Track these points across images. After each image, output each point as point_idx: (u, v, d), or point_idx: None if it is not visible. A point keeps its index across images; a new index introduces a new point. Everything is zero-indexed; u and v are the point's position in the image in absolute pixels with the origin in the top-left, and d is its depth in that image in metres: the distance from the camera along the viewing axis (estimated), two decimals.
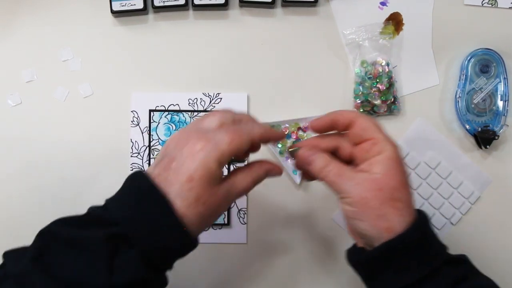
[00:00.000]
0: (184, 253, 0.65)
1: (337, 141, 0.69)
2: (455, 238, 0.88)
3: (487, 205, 0.89)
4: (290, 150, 0.70)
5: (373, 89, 0.87)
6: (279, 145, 0.87)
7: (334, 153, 0.69)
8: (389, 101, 0.87)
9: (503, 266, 0.88)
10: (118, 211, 0.61)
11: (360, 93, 0.87)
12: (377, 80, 0.87)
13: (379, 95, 0.86)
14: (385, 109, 0.87)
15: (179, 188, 0.61)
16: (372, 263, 0.65)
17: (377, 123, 0.67)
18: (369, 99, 0.87)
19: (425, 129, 0.89)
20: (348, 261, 0.69)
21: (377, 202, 0.63)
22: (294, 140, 0.88)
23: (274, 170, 0.70)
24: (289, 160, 0.87)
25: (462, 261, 0.67)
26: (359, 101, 0.87)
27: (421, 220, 0.65)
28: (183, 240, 0.63)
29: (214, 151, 0.61)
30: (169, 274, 0.85)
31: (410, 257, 0.64)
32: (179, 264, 0.85)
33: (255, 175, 0.67)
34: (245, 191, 0.67)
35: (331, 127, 0.69)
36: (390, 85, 0.87)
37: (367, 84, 0.87)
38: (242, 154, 0.69)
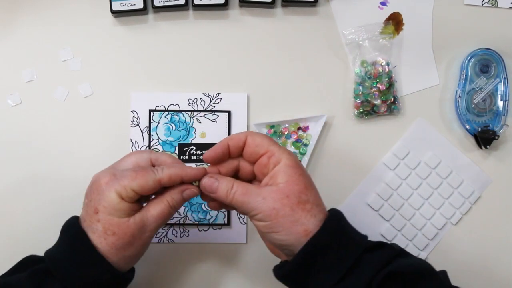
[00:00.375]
0: (111, 285, 0.68)
1: (235, 163, 0.71)
2: (455, 238, 0.88)
3: (487, 205, 0.89)
4: (194, 184, 0.70)
5: (373, 89, 0.87)
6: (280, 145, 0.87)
7: (236, 176, 0.71)
8: (389, 101, 0.87)
9: (504, 265, 0.88)
10: (48, 251, 0.68)
11: (360, 93, 0.87)
12: (377, 80, 0.87)
13: (379, 95, 0.86)
14: (385, 109, 0.87)
15: (89, 221, 0.67)
16: (296, 271, 0.66)
17: (268, 137, 0.69)
18: (369, 99, 0.87)
19: (425, 129, 0.89)
20: (277, 278, 0.70)
21: (287, 209, 0.65)
22: (293, 140, 0.88)
23: (189, 190, 0.71)
24: None
25: (382, 245, 0.68)
26: (359, 101, 0.87)
27: (332, 216, 0.66)
28: (101, 269, 0.67)
29: (115, 185, 0.67)
30: (169, 274, 0.85)
31: (331, 253, 0.65)
32: (179, 264, 0.85)
33: (169, 198, 0.70)
34: (163, 217, 0.70)
35: (224, 154, 0.70)
36: (390, 85, 0.87)
37: (367, 84, 0.87)
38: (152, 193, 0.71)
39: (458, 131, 0.89)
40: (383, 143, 0.88)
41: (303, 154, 0.87)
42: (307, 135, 0.88)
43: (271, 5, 0.87)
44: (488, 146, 0.86)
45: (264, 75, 0.88)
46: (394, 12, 0.89)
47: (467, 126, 0.87)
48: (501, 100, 0.87)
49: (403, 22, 0.89)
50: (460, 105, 0.87)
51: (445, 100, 0.89)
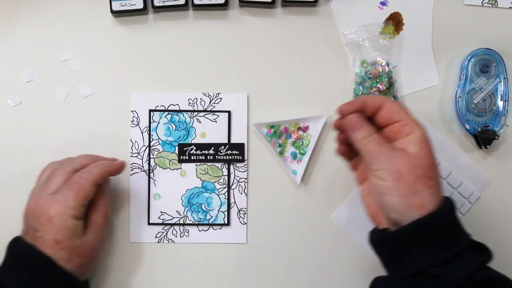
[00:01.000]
0: None
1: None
2: None
3: (487, 205, 0.89)
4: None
5: (373, 89, 0.86)
6: (279, 146, 0.87)
7: None
8: None
9: (504, 265, 0.88)
10: (6, 277, 0.70)
11: (360, 93, 0.87)
12: (377, 80, 0.87)
13: (379, 95, 0.86)
14: None
15: (52, 252, 0.70)
16: (401, 241, 0.65)
17: (405, 107, 0.69)
18: None
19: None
20: (372, 242, 0.70)
21: (411, 177, 0.64)
22: (293, 140, 0.88)
23: (113, 168, 0.80)
24: (288, 161, 0.87)
25: (484, 248, 0.67)
26: None
27: (449, 202, 0.65)
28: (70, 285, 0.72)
29: (67, 211, 0.71)
30: (169, 274, 0.86)
31: (440, 236, 0.64)
32: (179, 263, 0.86)
33: (102, 201, 0.79)
34: (107, 217, 0.79)
35: (359, 110, 0.70)
36: (390, 85, 0.87)
37: (367, 84, 0.87)
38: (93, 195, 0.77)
39: (458, 131, 0.89)
40: None
41: (303, 154, 0.87)
42: (307, 135, 0.88)
43: (271, 5, 0.87)
44: (488, 146, 0.86)
45: (264, 75, 0.88)
46: (394, 12, 0.89)
47: (467, 126, 0.87)
48: (501, 100, 0.87)
49: (403, 22, 0.89)
50: (460, 105, 0.87)
51: (445, 100, 0.89)
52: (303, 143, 0.88)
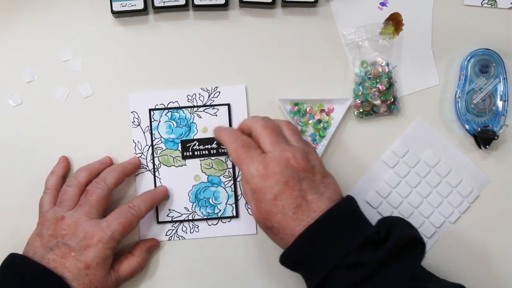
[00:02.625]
0: None
1: None
2: (454, 237, 0.88)
3: (486, 204, 0.89)
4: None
5: (373, 89, 0.87)
6: (301, 125, 0.88)
7: None
8: (389, 101, 0.87)
9: (502, 264, 0.89)
10: None
11: (360, 93, 0.87)
12: (377, 80, 0.87)
13: (379, 95, 0.87)
14: (385, 109, 0.87)
15: (77, 273, 0.72)
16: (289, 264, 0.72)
17: (271, 134, 0.73)
18: (369, 99, 0.87)
19: (425, 128, 0.89)
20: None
21: (263, 229, 0.73)
22: (315, 121, 0.88)
23: (154, 246, 0.85)
24: (308, 140, 0.88)
25: (357, 264, 0.66)
26: (359, 101, 0.87)
27: (299, 241, 0.68)
28: None
29: (109, 241, 0.75)
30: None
31: (303, 269, 0.70)
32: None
33: (139, 259, 0.82)
34: (134, 275, 0.82)
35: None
36: (390, 85, 0.87)
37: (367, 84, 0.87)
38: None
39: (458, 131, 0.89)
40: (383, 142, 0.88)
41: (322, 137, 0.87)
42: (329, 118, 0.88)
43: (271, 5, 0.87)
44: (487, 146, 0.87)
45: (264, 75, 0.88)
46: (394, 13, 0.89)
47: (467, 126, 0.87)
48: (500, 100, 0.88)
49: (403, 22, 0.89)
50: (459, 105, 0.87)
51: (445, 100, 0.89)
52: (324, 126, 0.88)
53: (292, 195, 0.68)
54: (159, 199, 0.84)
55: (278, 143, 0.71)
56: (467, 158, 0.89)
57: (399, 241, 0.66)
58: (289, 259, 0.70)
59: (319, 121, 0.88)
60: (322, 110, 0.88)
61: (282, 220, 0.68)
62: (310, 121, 0.88)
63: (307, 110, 0.88)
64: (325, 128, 0.88)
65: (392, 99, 0.87)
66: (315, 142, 0.88)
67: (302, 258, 0.68)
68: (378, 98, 0.87)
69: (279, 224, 0.69)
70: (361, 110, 0.87)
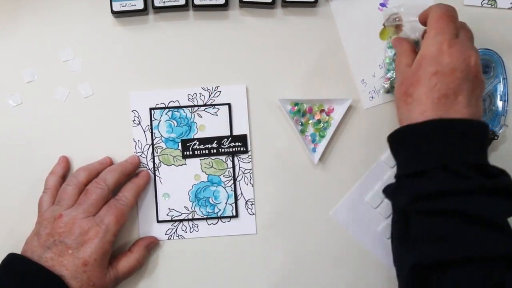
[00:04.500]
0: None
1: None
2: None
3: None
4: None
5: None
6: (301, 125, 0.88)
7: None
8: None
9: None
10: None
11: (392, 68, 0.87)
12: None
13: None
14: None
15: (75, 271, 0.72)
16: (391, 143, 0.76)
17: (444, 15, 0.72)
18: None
19: None
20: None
21: (397, 94, 0.74)
22: (315, 121, 0.88)
23: (153, 243, 0.85)
24: (308, 139, 0.88)
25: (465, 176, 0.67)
26: (389, 75, 0.87)
27: (438, 122, 0.69)
28: None
29: (106, 234, 0.75)
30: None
31: (413, 149, 0.70)
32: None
33: (137, 256, 0.82)
34: (132, 272, 0.82)
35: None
36: None
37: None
38: None
39: None
40: (382, 141, 0.88)
41: (322, 137, 0.87)
42: (329, 119, 0.88)
43: (271, 5, 0.87)
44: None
45: (264, 75, 0.88)
46: None
47: None
48: (500, 100, 0.88)
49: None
50: None
51: None
52: (324, 126, 0.88)
53: (450, 84, 0.69)
54: (144, 184, 0.84)
55: (472, 39, 0.75)
56: None
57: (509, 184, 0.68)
58: (407, 135, 0.71)
59: (319, 121, 0.88)
60: (322, 110, 0.88)
61: (424, 95, 0.70)
62: (310, 121, 0.88)
63: (307, 110, 0.88)
64: (325, 128, 0.88)
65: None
66: (315, 142, 0.88)
67: (421, 141, 0.69)
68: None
69: (419, 97, 0.70)
70: (390, 85, 0.87)
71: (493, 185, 0.66)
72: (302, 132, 0.88)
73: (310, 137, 0.88)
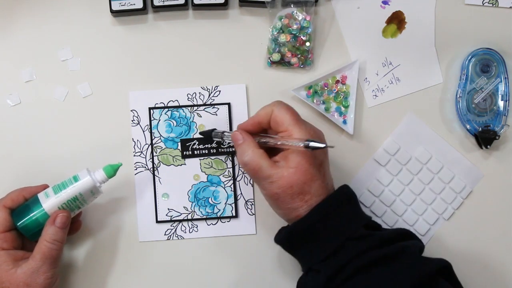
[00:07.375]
0: None
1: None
2: (448, 233, 0.89)
3: (479, 200, 0.90)
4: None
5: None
6: (323, 103, 0.88)
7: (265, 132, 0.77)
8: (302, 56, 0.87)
9: (496, 259, 0.90)
10: None
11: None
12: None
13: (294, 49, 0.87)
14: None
15: None
16: (286, 243, 0.74)
17: (292, 113, 0.73)
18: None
19: (416, 124, 0.89)
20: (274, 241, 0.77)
21: (288, 198, 0.70)
22: (334, 95, 0.88)
23: (59, 217, 0.75)
24: (335, 116, 0.88)
25: (366, 236, 0.70)
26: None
27: (322, 204, 0.70)
28: None
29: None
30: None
31: (316, 236, 0.70)
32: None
33: (45, 236, 0.73)
34: (49, 256, 0.73)
35: (260, 127, 0.76)
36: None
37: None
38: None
39: (459, 131, 0.89)
40: (375, 140, 0.89)
41: (347, 107, 0.88)
42: (346, 86, 0.88)
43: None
44: (488, 146, 0.87)
45: (263, 75, 0.88)
46: (397, 11, 0.89)
47: (468, 126, 0.87)
48: (501, 100, 0.88)
49: (406, 21, 0.89)
50: (460, 105, 0.87)
51: (446, 100, 0.89)
52: (344, 95, 0.88)
53: (327, 171, 0.74)
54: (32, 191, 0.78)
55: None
56: (459, 153, 0.89)
57: (397, 230, 0.74)
58: (299, 232, 0.72)
59: (338, 93, 0.88)
60: (337, 82, 0.88)
61: (319, 188, 0.71)
62: (330, 96, 0.88)
63: (323, 86, 0.87)
64: (346, 98, 0.87)
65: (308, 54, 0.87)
66: (343, 114, 0.88)
67: (315, 230, 0.70)
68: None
69: (316, 191, 0.71)
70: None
71: (390, 233, 0.72)
72: (327, 109, 0.88)
73: (336, 112, 0.88)
